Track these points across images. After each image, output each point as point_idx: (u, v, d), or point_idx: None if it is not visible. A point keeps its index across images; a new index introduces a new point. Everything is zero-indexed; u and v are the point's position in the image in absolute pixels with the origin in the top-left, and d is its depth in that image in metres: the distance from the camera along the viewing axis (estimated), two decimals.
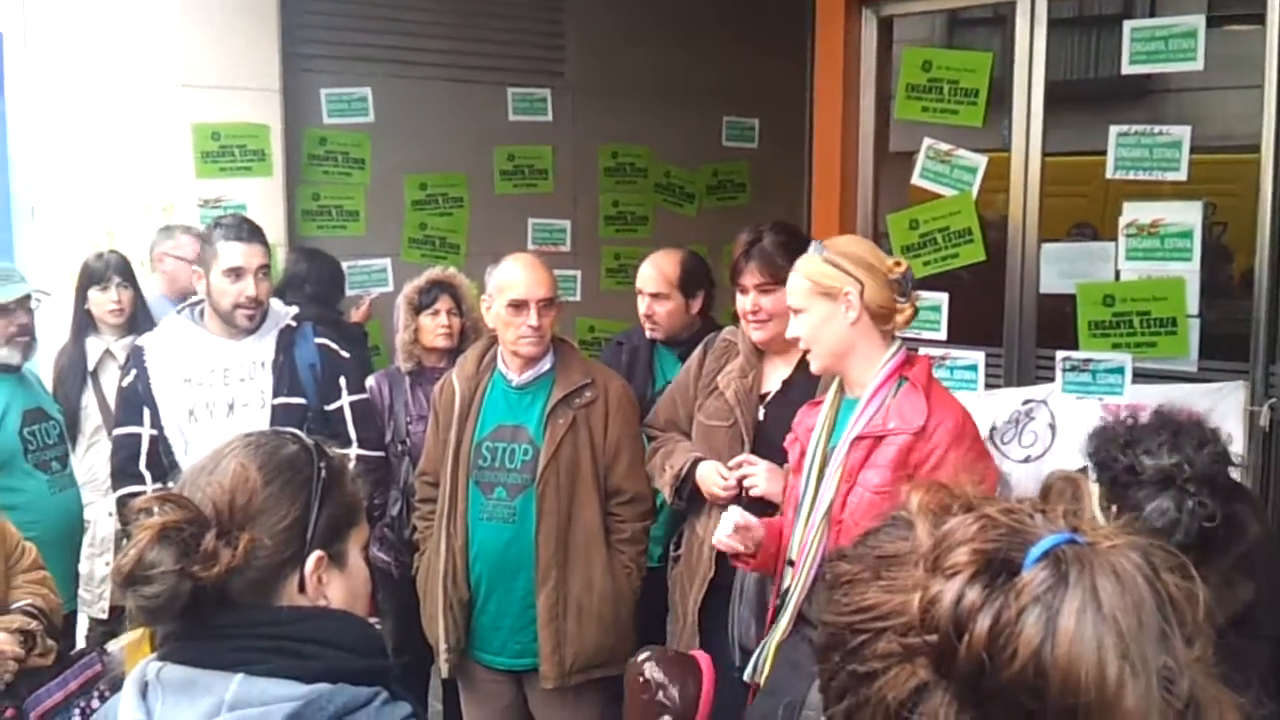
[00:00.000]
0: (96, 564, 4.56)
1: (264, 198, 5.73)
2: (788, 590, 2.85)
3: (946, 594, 0.96)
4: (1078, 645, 0.92)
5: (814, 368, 2.91)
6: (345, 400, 3.93)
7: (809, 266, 2.85)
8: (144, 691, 1.49)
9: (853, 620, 1.04)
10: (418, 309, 4.64)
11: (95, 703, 3.02)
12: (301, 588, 1.54)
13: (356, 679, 1.49)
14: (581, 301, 6.69)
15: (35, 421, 4.04)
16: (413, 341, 4.60)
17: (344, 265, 5.62)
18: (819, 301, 2.81)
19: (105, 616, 4.62)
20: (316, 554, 1.55)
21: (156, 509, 1.47)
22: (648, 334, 4.42)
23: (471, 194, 6.47)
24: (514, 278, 3.56)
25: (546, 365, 3.62)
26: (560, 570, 3.52)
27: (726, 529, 2.87)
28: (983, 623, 0.94)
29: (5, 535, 3.13)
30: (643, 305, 4.37)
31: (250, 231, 3.82)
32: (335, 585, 1.58)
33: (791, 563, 2.84)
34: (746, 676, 2.91)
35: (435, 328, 4.60)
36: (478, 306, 4.48)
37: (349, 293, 5.81)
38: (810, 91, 5.54)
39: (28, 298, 4.05)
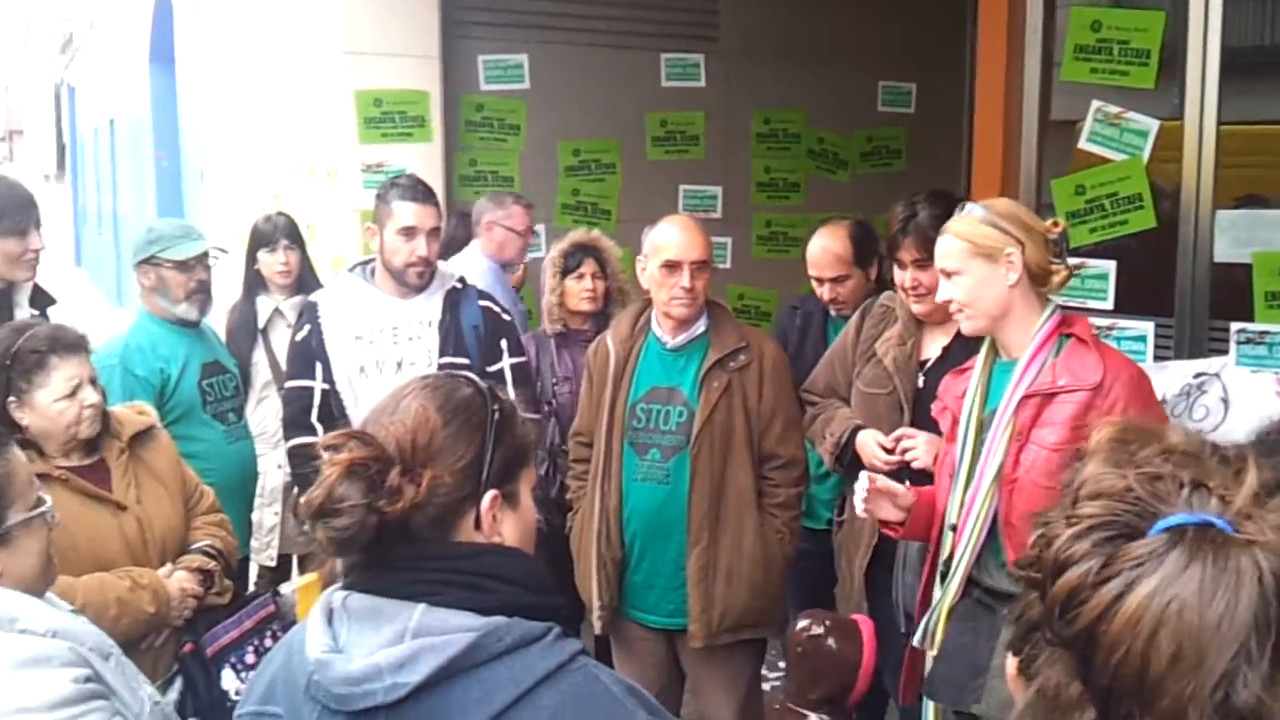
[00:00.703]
0: (265, 514, 4.76)
1: (423, 163, 5.85)
2: (951, 556, 2.81)
3: (1059, 539, 0.98)
4: (1129, 628, 0.91)
5: (967, 330, 2.86)
6: (506, 362, 4.00)
7: (966, 228, 2.79)
8: (330, 618, 1.55)
9: (1038, 530, 1.08)
10: (563, 272, 4.69)
11: (268, 642, 3.16)
12: (477, 525, 1.58)
13: (530, 614, 1.53)
14: (732, 269, 6.68)
15: (213, 374, 4.22)
16: (558, 304, 4.66)
17: None
18: (977, 263, 2.76)
19: (273, 565, 4.82)
20: (491, 493, 1.59)
21: (344, 446, 1.52)
22: (834, 313, 4.39)
23: (623, 160, 6.50)
24: (668, 239, 3.57)
25: (701, 328, 3.63)
26: (711, 532, 3.54)
27: (860, 494, 2.85)
28: (1070, 576, 0.95)
29: (185, 479, 3.29)
30: (824, 291, 4.32)
31: (424, 193, 3.92)
32: (508, 524, 1.62)
33: (954, 528, 2.81)
34: (916, 642, 2.89)
35: (580, 291, 4.65)
36: (629, 269, 4.53)
37: None
38: (971, 55, 5.41)
39: (206, 254, 4.22)
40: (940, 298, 2.86)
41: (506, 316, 4.07)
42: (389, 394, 1.65)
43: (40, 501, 2.09)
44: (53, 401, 2.92)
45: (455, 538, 1.58)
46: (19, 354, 2.91)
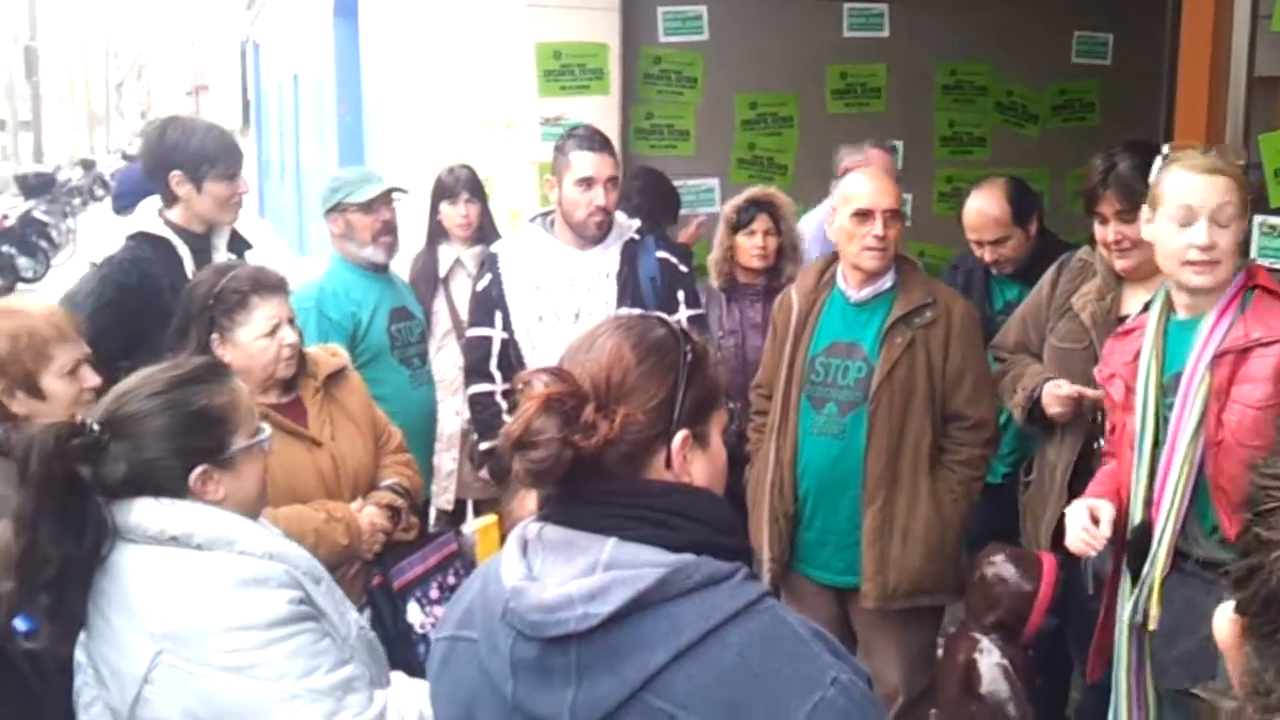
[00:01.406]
0: (444, 459, 4.88)
1: (600, 116, 5.86)
2: (1147, 526, 2.70)
3: None
4: None
5: (1207, 282, 2.65)
6: (682, 314, 3.99)
7: (1234, 170, 2.66)
8: (524, 549, 1.58)
9: (1266, 484, 1.04)
10: (735, 227, 4.64)
11: (451, 578, 3.24)
12: (668, 464, 1.59)
13: (718, 554, 1.54)
14: (912, 225, 6.51)
15: (401, 320, 4.34)
16: (727, 259, 4.62)
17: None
18: (1242, 210, 2.64)
19: (450, 509, 4.94)
20: (683, 433, 1.59)
21: (542, 381, 1.54)
22: (995, 272, 4.27)
23: (801, 113, 6.40)
24: (860, 188, 3.50)
25: (888, 283, 3.55)
26: (888, 491, 3.48)
27: (1075, 529, 2.75)
28: None
29: (376, 419, 3.38)
30: (984, 253, 4.21)
31: (601, 143, 3.93)
32: (698, 464, 1.62)
33: (1149, 502, 2.70)
34: (1126, 619, 2.78)
35: (750, 248, 4.59)
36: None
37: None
38: (1175, 6, 5.14)
39: (389, 194, 4.32)
40: (1200, 241, 2.63)
41: (684, 269, 4.05)
42: (584, 333, 1.67)
43: (260, 430, 2.17)
44: (254, 339, 3.02)
45: (646, 475, 1.59)
46: (222, 293, 3.02)
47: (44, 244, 17.60)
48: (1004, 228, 4.17)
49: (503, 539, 4.34)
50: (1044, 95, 6.77)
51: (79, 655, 2.10)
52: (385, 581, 3.15)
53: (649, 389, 1.58)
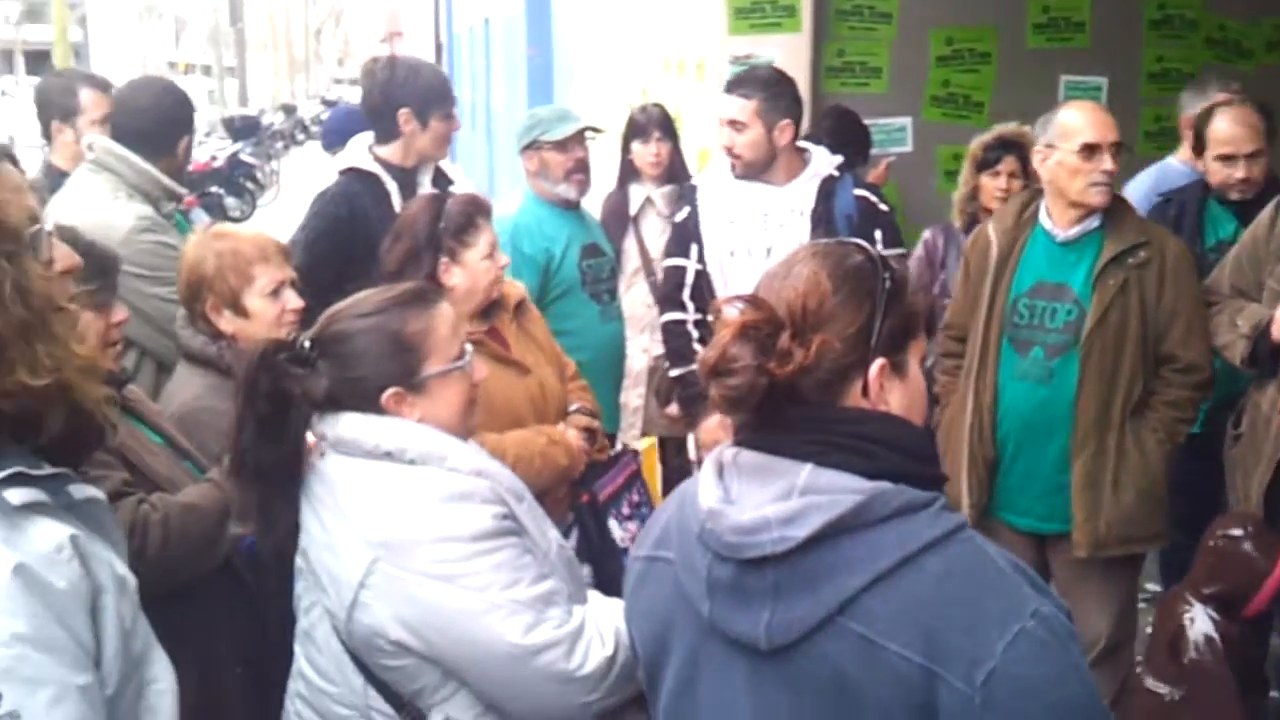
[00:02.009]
0: (630, 395, 4.95)
1: (790, 54, 5.76)
2: None
3: None
4: None
5: None
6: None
7: None
8: (720, 472, 1.61)
9: None
10: (980, 166, 4.52)
11: (635, 496, 3.34)
12: (865, 392, 1.58)
13: (916, 483, 1.54)
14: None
15: (592, 256, 4.40)
16: (970, 198, 4.50)
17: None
18: None
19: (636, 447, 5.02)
20: (880, 361, 1.58)
21: (737, 309, 1.55)
22: (1235, 197, 4.05)
23: (999, 49, 6.17)
24: (1084, 121, 3.38)
25: (1095, 221, 3.43)
26: (1099, 438, 3.37)
27: None
28: None
29: (555, 347, 3.48)
30: (1237, 170, 3.98)
31: (732, 85, 3.93)
32: (896, 393, 1.61)
33: None
34: None
35: (994, 189, 4.47)
36: None
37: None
38: None
39: (583, 133, 4.38)
40: None
41: (884, 207, 3.98)
42: (781, 260, 1.66)
43: (461, 354, 2.24)
44: (479, 260, 3.11)
45: (842, 403, 1.59)
46: (449, 214, 3.10)
47: (250, 185, 18.43)
48: (1262, 139, 3.98)
49: (665, 464, 4.43)
50: (1258, 30, 6.36)
51: (299, 561, 2.22)
52: (592, 498, 3.25)
53: (846, 316, 1.57)
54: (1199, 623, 2.94)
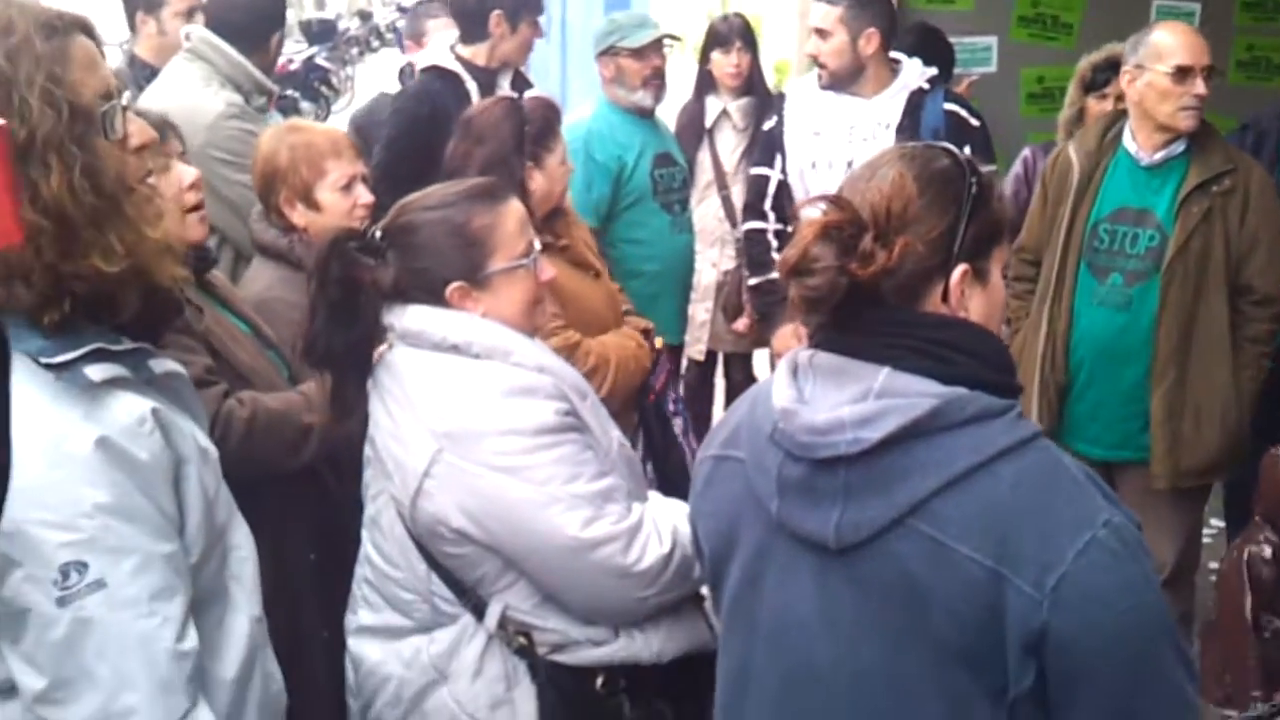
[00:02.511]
0: (698, 309, 4.93)
1: None
2: None
3: None
4: None
5: None
6: None
7: None
8: (795, 373, 1.60)
9: None
10: (1088, 87, 4.40)
11: (674, 394, 3.48)
12: (945, 298, 1.56)
13: (992, 391, 1.52)
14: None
15: (664, 165, 4.37)
16: (1075, 120, 4.39)
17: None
18: None
19: (701, 359, 5.02)
20: (962, 266, 1.56)
21: (820, 209, 1.53)
22: None
23: None
24: (1176, 42, 3.29)
25: (1181, 146, 3.33)
26: (1180, 368, 3.32)
27: None
28: None
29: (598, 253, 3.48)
30: None
31: None
32: (976, 299, 1.59)
33: None
34: None
35: (1099, 112, 4.35)
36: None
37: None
38: None
39: (660, 42, 4.33)
40: None
41: (975, 122, 3.87)
42: (865, 163, 1.64)
43: (528, 252, 2.24)
44: (557, 164, 3.11)
45: (922, 308, 1.57)
46: (532, 120, 3.09)
47: (325, 90, 18.46)
48: None
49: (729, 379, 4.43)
50: None
51: (367, 450, 2.26)
52: (657, 399, 3.28)
53: (929, 220, 1.55)
54: (1266, 547, 2.92)
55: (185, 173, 2.52)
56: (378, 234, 2.20)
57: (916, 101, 3.82)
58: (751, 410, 1.70)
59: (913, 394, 1.50)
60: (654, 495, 2.34)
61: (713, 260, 4.85)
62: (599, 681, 2.13)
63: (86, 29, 1.53)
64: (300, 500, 2.62)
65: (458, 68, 3.88)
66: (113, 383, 1.49)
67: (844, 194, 1.58)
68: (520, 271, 2.21)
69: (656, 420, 3.18)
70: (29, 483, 1.35)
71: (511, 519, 2.03)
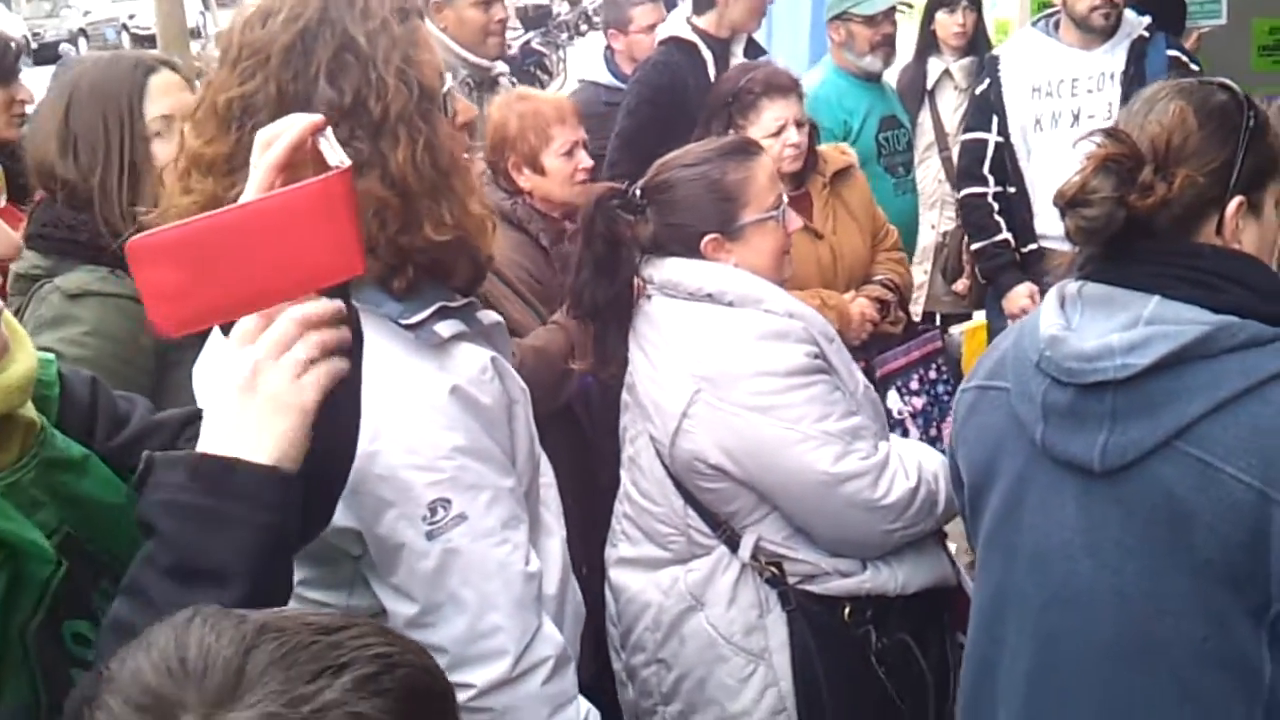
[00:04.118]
0: (916, 271, 4.92)
1: None
2: None
3: None
4: None
5: None
6: None
7: None
8: (1062, 303, 1.66)
9: None
10: None
11: (932, 373, 3.36)
12: (1218, 230, 1.60)
13: (1263, 320, 1.55)
14: None
15: (890, 129, 4.38)
16: None
17: None
18: None
19: (918, 320, 5.00)
20: (1238, 199, 1.59)
21: (1097, 142, 1.58)
22: None
23: None
24: None
25: None
26: None
27: None
28: None
29: (875, 217, 3.50)
30: None
31: None
32: (1250, 232, 1.62)
33: None
34: None
35: None
36: None
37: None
38: None
39: (893, 9, 4.35)
40: None
41: (1195, 68, 3.81)
42: (1141, 99, 1.68)
43: (778, 204, 2.35)
44: (762, 138, 3.21)
45: (1195, 239, 1.61)
46: (739, 93, 3.22)
47: (539, 73, 18.93)
48: None
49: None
50: None
51: (625, 396, 2.41)
52: (869, 368, 3.31)
53: (1209, 152, 1.59)
54: None
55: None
56: (638, 192, 2.35)
57: (1140, 49, 3.78)
58: (1018, 341, 1.75)
59: (1183, 321, 1.54)
60: (897, 437, 2.43)
61: (932, 222, 4.85)
62: (846, 611, 2.24)
63: (422, 15, 1.67)
64: (564, 444, 2.75)
65: (694, 37, 4.02)
66: (457, 336, 1.62)
67: (1123, 128, 1.63)
68: (770, 223, 2.34)
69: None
70: (398, 432, 1.51)
71: (765, 455, 2.15)
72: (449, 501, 1.54)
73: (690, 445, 2.21)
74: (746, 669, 2.25)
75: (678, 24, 4.07)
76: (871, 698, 2.26)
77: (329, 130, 1.19)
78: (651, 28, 4.57)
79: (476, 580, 1.56)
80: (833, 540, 2.23)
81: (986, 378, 1.81)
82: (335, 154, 1.14)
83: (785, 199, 2.39)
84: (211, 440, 1.10)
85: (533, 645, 1.59)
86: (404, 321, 1.55)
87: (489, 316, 1.76)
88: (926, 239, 4.88)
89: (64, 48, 21.10)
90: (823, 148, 3.45)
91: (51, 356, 1.32)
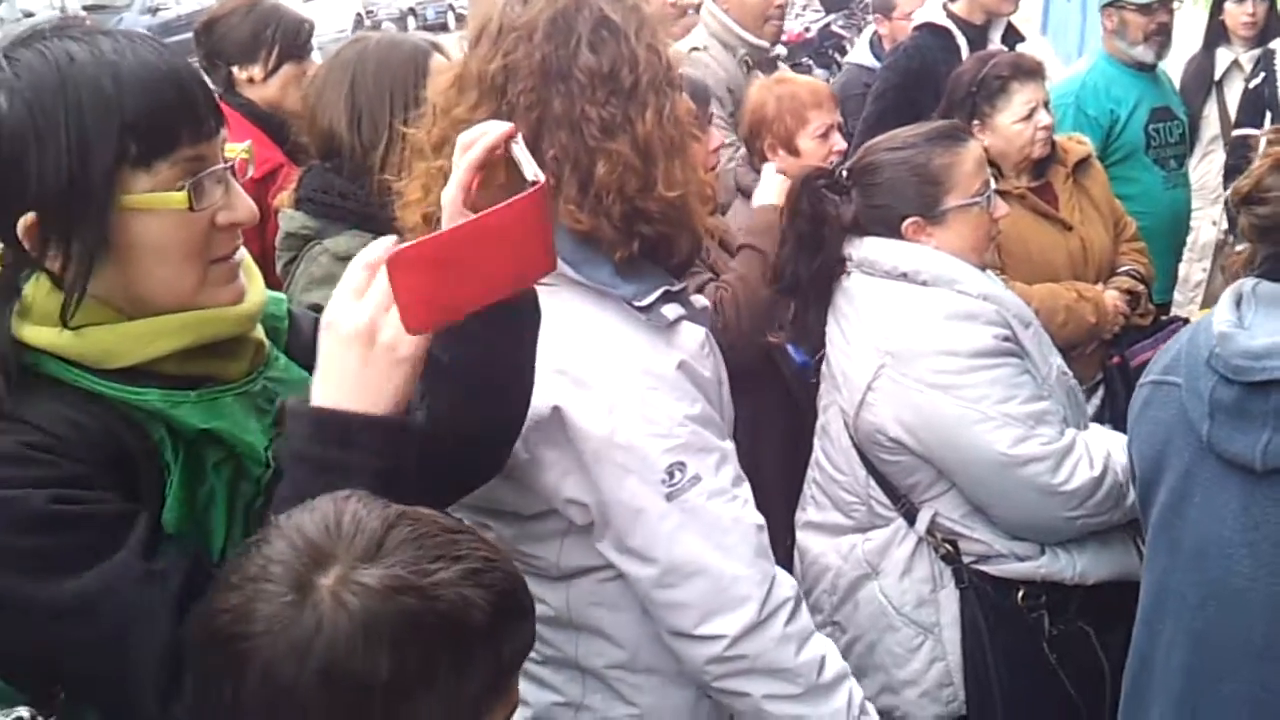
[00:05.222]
0: (1194, 268, 4.73)
1: None
2: None
3: None
4: None
5: None
6: None
7: None
8: (1238, 302, 1.65)
9: None
10: None
11: None
12: None
13: None
14: None
15: (1161, 120, 4.22)
16: None
17: None
18: None
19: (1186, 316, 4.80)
20: None
21: (1271, 140, 1.56)
22: None
23: None
24: None
25: None
26: None
27: None
28: None
29: (1114, 208, 3.42)
30: None
31: None
32: None
33: None
34: None
35: None
36: None
37: None
38: None
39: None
40: None
41: None
42: None
43: (983, 190, 2.36)
44: (1011, 123, 3.19)
45: None
46: (985, 79, 3.22)
47: (838, 56, 18.77)
48: None
49: None
50: None
51: (823, 368, 2.50)
52: (1123, 361, 3.26)
53: None
54: None
55: (715, 136, 2.86)
56: (844, 173, 2.43)
57: None
58: (1193, 337, 1.75)
59: None
60: (1097, 428, 2.40)
61: (1213, 218, 4.63)
62: (1020, 595, 2.26)
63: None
64: (773, 414, 2.86)
65: (948, 23, 4.02)
66: (680, 317, 1.75)
67: None
68: (975, 209, 2.36)
69: (1122, 384, 3.14)
70: (634, 403, 1.65)
71: (944, 433, 2.21)
72: (684, 465, 1.65)
73: (873, 418, 2.28)
74: (915, 640, 2.31)
75: (933, 10, 4.09)
76: (1042, 683, 2.26)
77: (520, 140, 1.34)
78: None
79: (716, 535, 1.66)
80: (1011, 522, 2.25)
81: (1162, 373, 1.81)
82: (530, 167, 1.30)
83: (992, 184, 2.40)
84: (331, 390, 1.22)
85: (773, 590, 1.69)
86: (638, 304, 1.67)
87: (699, 300, 1.90)
88: (1206, 235, 4.69)
89: (385, 25, 22.23)
90: (1060, 138, 3.39)
91: (283, 296, 1.55)
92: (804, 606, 1.76)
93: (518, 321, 1.39)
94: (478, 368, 1.37)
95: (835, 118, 3.20)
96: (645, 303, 1.67)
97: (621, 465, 1.64)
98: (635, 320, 1.68)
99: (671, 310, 1.71)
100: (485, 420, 1.45)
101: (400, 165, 1.83)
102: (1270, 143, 1.60)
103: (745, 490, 1.73)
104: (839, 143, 3.18)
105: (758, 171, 3.18)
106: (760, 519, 1.74)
